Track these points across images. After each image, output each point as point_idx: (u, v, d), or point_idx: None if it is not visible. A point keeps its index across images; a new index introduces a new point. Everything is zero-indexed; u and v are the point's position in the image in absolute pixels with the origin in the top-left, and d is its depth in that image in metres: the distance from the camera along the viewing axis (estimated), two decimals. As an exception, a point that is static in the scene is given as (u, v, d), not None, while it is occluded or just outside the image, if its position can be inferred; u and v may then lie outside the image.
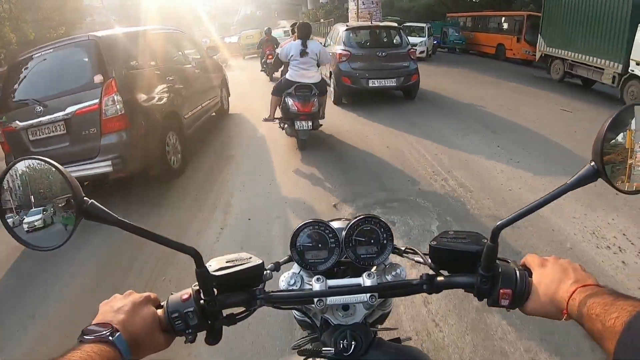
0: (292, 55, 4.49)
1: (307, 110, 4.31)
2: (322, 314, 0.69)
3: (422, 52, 13.28)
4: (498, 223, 0.58)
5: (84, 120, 3.39)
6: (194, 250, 0.58)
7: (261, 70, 11.36)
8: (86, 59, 3.53)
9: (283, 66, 5.02)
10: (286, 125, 4.59)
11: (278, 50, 5.04)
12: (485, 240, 0.61)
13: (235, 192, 3.78)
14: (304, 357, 0.66)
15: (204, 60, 5.97)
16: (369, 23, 8.92)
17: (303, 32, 4.52)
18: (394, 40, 7.50)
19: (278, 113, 4.72)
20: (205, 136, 5.66)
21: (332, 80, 7.15)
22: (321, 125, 4.76)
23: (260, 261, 0.66)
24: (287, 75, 4.57)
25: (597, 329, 0.45)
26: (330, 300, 0.63)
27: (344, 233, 0.71)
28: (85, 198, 0.51)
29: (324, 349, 0.64)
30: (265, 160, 4.65)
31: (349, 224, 0.72)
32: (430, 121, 5.96)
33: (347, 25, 7.62)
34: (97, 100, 3.34)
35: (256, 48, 14.31)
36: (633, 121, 0.51)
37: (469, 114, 6.48)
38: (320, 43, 5.03)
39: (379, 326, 0.83)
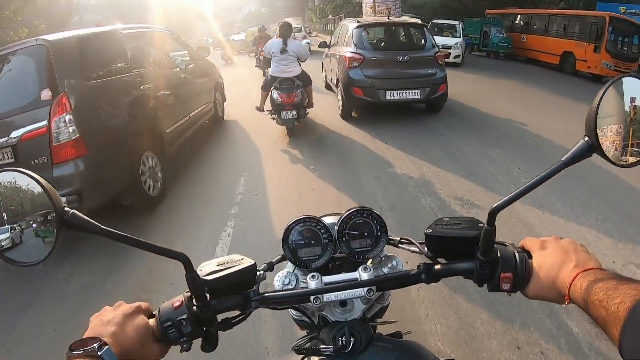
0: (273, 52, 4.89)
1: (291, 101, 4.77)
2: (319, 311, 0.67)
3: (457, 56, 11.36)
4: (495, 205, 0.56)
5: (32, 147, 2.69)
6: (183, 256, 0.57)
7: (255, 66, 11.42)
8: (34, 70, 2.84)
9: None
10: (276, 116, 5.00)
11: (262, 48, 6.28)
12: (482, 225, 0.58)
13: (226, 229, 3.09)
14: (302, 356, 0.64)
15: (194, 62, 5.22)
16: (384, 19, 7.32)
17: (283, 32, 4.91)
18: (417, 41, 6.14)
19: (268, 106, 5.13)
20: (194, 149, 4.95)
21: (339, 89, 5.90)
22: (307, 114, 5.19)
23: (252, 262, 0.64)
24: (270, 72, 5.04)
25: (600, 315, 0.44)
26: (327, 297, 0.62)
27: (336, 228, 0.70)
28: (66, 208, 0.49)
29: (322, 346, 0.62)
30: (258, 179, 3.96)
31: (340, 218, 0.70)
32: (475, 161, 4.22)
33: (358, 22, 6.13)
34: (45, 122, 2.66)
35: (251, 45, 15.09)
36: (625, 94, 0.50)
37: (533, 154, 4.40)
38: (308, 42, 7.87)
39: (378, 320, 0.79)
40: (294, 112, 4.82)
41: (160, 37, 4.83)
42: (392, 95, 5.45)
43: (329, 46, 7.21)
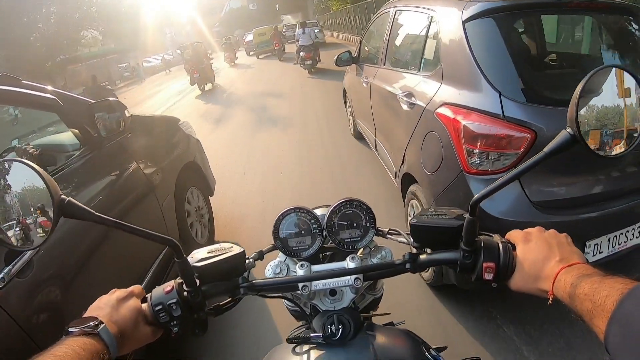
0: (299, 34, 11.13)
1: (309, 56, 10.72)
2: (309, 300, 0.68)
3: None
4: (477, 195, 0.56)
5: None
6: (173, 242, 0.59)
7: (273, 54, 17.58)
8: None
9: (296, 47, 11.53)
10: (302, 64, 10.89)
11: (276, 41, 15.68)
12: (466, 215, 0.58)
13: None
14: (293, 345, 0.65)
15: (94, 150, 1.77)
16: None
17: (303, 25, 11.62)
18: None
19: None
20: None
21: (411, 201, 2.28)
22: (318, 61, 11.19)
23: (242, 250, 0.66)
24: (299, 43, 11.04)
25: (587, 308, 0.45)
26: (315, 285, 0.64)
27: (326, 218, 0.71)
28: (63, 196, 0.51)
29: (312, 334, 0.63)
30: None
31: (330, 208, 0.71)
32: None
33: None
34: None
35: (267, 46, 18.82)
36: (607, 84, 0.50)
37: None
38: (318, 29, 15.55)
39: (372, 312, 0.82)
40: (311, 62, 10.79)
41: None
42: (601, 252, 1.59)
43: (357, 61, 3.71)
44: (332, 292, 0.68)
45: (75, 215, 0.52)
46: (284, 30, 22.50)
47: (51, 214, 0.51)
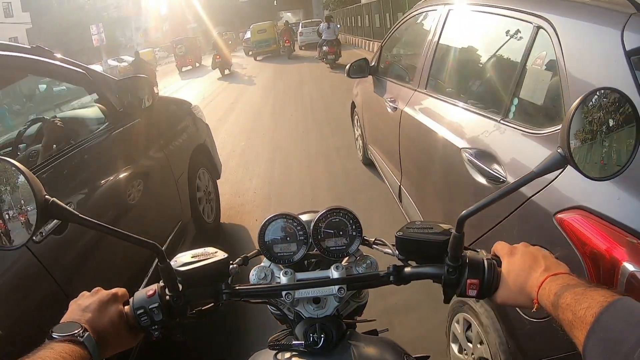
0: (324, 28, 11.60)
1: (332, 50, 11.14)
2: (293, 307, 0.68)
3: None
4: (463, 212, 0.56)
5: None
6: (155, 246, 0.58)
7: (282, 52, 16.74)
8: None
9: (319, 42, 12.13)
10: (325, 58, 11.32)
11: (287, 38, 15.60)
12: (453, 231, 0.58)
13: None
14: (275, 352, 0.65)
15: (116, 122, 1.82)
16: None
17: (328, 20, 11.88)
18: None
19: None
20: None
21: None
22: (340, 56, 11.43)
23: (226, 255, 0.66)
24: (323, 37, 11.51)
25: (567, 319, 0.45)
26: (299, 293, 0.64)
27: (312, 225, 0.69)
28: (47, 196, 0.51)
29: (294, 342, 0.64)
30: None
31: (317, 216, 0.70)
32: None
33: None
34: None
35: (267, 45, 17.30)
36: (602, 106, 0.50)
37: None
38: (338, 26, 13.26)
39: (357, 317, 0.83)
40: (333, 56, 11.21)
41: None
42: None
43: (375, 72, 2.96)
44: (316, 299, 0.68)
45: (58, 215, 0.52)
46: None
47: (34, 213, 0.50)
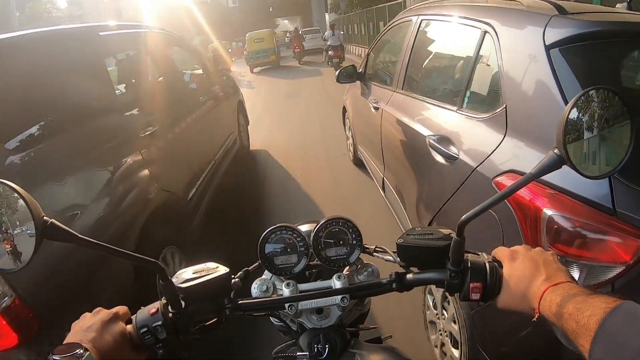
0: (329, 34, 12.62)
1: (337, 55, 12.38)
2: (296, 318, 0.68)
3: None
4: (463, 217, 0.57)
5: None
6: (157, 264, 0.58)
7: (293, 57, 16.74)
8: None
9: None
10: (330, 61, 12.47)
11: (297, 43, 16.67)
12: (453, 235, 0.59)
13: None
14: None
15: (210, 79, 3.67)
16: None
17: (333, 27, 12.86)
18: None
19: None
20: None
21: None
22: (344, 60, 12.28)
23: (227, 270, 0.65)
24: (328, 43, 12.60)
25: (571, 328, 0.45)
26: (302, 304, 0.64)
27: (312, 236, 0.70)
28: (45, 218, 0.50)
29: (298, 353, 0.65)
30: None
31: (316, 226, 0.70)
32: None
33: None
34: None
35: (266, 56, 15.66)
36: (594, 105, 0.51)
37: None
38: (342, 33, 14.57)
39: (360, 325, 0.83)
40: (338, 60, 12.23)
41: (162, 44, 3.04)
42: None
43: (362, 78, 3.17)
44: (319, 310, 0.68)
45: (58, 237, 0.51)
46: (287, 35, 20.65)
47: (33, 235, 0.50)
